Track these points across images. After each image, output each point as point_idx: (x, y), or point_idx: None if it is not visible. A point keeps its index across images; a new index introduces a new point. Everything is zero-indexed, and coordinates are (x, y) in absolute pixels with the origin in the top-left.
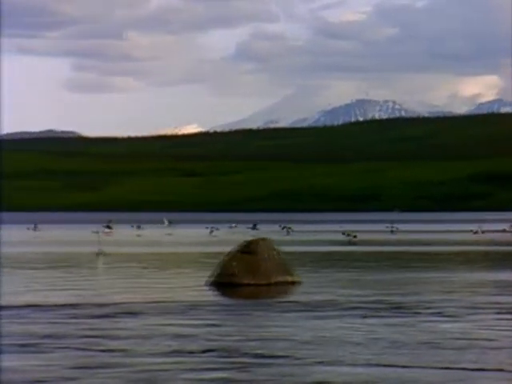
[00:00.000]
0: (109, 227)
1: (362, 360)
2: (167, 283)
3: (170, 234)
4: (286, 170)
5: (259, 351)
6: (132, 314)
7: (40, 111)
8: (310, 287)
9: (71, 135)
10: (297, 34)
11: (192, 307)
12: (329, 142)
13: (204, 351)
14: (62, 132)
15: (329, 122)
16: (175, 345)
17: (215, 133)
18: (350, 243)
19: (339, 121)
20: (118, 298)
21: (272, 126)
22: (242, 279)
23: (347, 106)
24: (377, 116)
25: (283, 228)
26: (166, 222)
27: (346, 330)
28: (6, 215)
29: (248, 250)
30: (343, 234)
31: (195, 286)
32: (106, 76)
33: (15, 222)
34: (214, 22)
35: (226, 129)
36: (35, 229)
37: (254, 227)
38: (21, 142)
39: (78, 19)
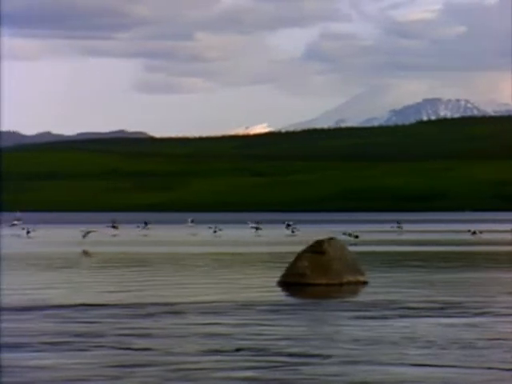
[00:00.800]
0: (114, 227)
1: (411, 360)
2: (237, 283)
3: (194, 235)
4: (356, 169)
5: (301, 350)
6: (207, 313)
7: (111, 112)
8: (380, 287)
9: (141, 136)
10: (366, 33)
11: (256, 306)
12: (399, 141)
13: (249, 349)
14: (133, 133)
15: (399, 121)
16: (222, 343)
17: (285, 133)
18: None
19: (410, 120)
20: (197, 299)
21: (342, 125)
22: (313, 279)
23: (418, 104)
24: (448, 115)
25: (288, 226)
26: (190, 222)
27: (403, 329)
28: (77, 215)
29: (319, 249)
30: (344, 233)
31: (267, 286)
32: (175, 77)
33: (95, 222)
34: (283, 21)
35: (297, 128)
36: (144, 228)
37: (257, 228)
38: (91, 142)
39: (148, 20)
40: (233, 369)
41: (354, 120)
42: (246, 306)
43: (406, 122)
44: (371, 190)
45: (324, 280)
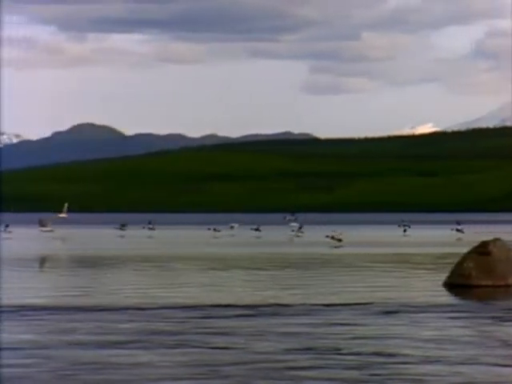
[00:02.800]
0: (122, 229)
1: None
2: (404, 283)
3: (232, 236)
4: None
5: (392, 351)
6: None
7: (277, 113)
8: None
9: (306, 137)
10: None
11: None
12: None
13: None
14: (298, 134)
15: None
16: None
17: (451, 132)
18: (335, 246)
19: None
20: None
21: (509, 124)
22: (478, 280)
23: None
24: None
25: (299, 228)
26: (235, 226)
27: None
28: (245, 216)
29: (484, 250)
30: (327, 236)
31: (432, 287)
32: (341, 77)
33: (269, 223)
34: (448, 20)
35: (462, 128)
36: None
37: (255, 229)
38: (257, 144)
39: (315, 22)
40: (327, 367)
41: None
42: (420, 307)
43: None
44: None
45: (489, 282)
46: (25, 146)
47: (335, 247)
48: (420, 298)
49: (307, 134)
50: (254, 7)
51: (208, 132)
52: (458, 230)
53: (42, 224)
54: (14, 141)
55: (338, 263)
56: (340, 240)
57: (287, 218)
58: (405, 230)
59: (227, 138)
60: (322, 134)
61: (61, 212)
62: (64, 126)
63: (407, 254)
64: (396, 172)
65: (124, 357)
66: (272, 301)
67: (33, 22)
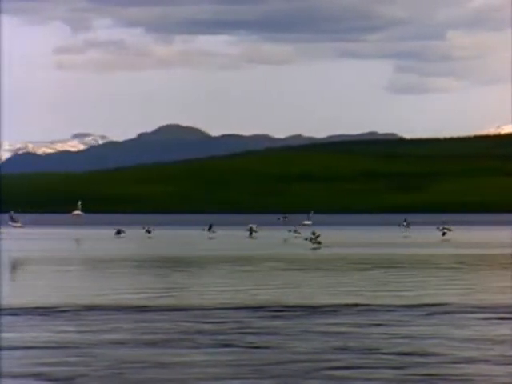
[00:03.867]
0: (148, 231)
1: None
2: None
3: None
4: None
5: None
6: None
7: (362, 113)
8: None
9: (392, 137)
10: None
11: None
12: None
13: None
14: (384, 134)
15: None
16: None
17: None
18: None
19: None
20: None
21: None
22: None
23: None
24: None
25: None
26: (254, 227)
27: None
28: (329, 217)
29: None
30: (305, 239)
31: None
32: (426, 77)
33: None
34: None
35: None
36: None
37: (251, 232)
38: (342, 144)
39: (400, 21)
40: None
41: None
42: None
43: None
44: None
45: None
46: (111, 147)
47: (313, 249)
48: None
49: (392, 134)
50: (340, 7)
51: (294, 132)
52: (443, 229)
53: (12, 220)
54: (101, 142)
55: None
56: (319, 242)
57: (280, 219)
58: (444, 234)
59: (312, 139)
60: (408, 133)
61: (75, 210)
62: (150, 128)
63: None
64: (481, 172)
65: (173, 356)
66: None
67: (120, 24)
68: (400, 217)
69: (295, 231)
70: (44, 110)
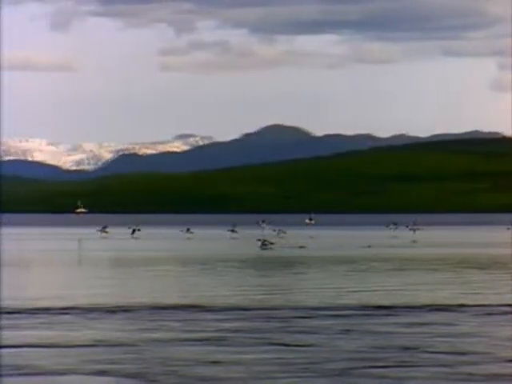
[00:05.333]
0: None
1: None
2: None
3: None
4: None
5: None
6: None
7: (465, 112)
8: None
9: (496, 136)
10: None
11: None
12: None
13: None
14: (488, 133)
15: None
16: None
17: None
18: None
19: None
20: None
21: None
22: None
23: None
24: None
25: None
26: (266, 226)
27: None
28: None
29: None
30: (258, 240)
31: None
32: None
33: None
34: None
35: None
36: None
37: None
38: (446, 143)
39: (502, 18)
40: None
41: None
42: None
43: None
44: None
45: None
46: (215, 148)
47: (264, 249)
48: None
49: (496, 133)
50: (443, 5)
51: (397, 132)
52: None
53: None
54: (204, 143)
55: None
56: (272, 243)
57: (260, 224)
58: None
59: (417, 138)
60: None
61: (77, 208)
62: (253, 128)
63: None
64: None
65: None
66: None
67: (224, 26)
68: (506, 217)
69: (280, 231)
70: (147, 112)
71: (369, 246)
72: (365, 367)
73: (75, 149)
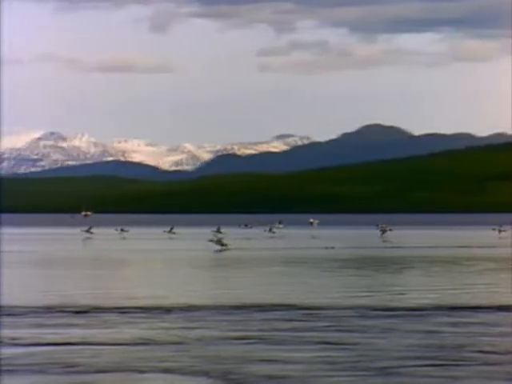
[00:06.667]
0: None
1: None
2: None
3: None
4: None
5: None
6: None
7: None
8: None
9: None
10: None
11: None
12: None
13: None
14: None
15: None
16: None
17: None
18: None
19: None
20: None
21: None
22: None
23: None
24: None
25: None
26: (279, 225)
27: None
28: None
29: None
30: (210, 240)
31: None
32: None
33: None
34: None
35: None
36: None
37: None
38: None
39: None
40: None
41: None
42: None
43: None
44: None
45: None
46: (314, 147)
47: (219, 251)
48: None
49: None
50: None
51: (497, 131)
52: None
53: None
54: (303, 143)
55: None
56: (224, 244)
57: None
58: None
59: None
60: None
61: (83, 211)
62: (352, 128)
63: None
64: None
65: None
66: None
67: (324, 25)
68: None
69: (270, 230)
70: (246, 112)
71: None
72: (412, 366)
73: (174, 149)
